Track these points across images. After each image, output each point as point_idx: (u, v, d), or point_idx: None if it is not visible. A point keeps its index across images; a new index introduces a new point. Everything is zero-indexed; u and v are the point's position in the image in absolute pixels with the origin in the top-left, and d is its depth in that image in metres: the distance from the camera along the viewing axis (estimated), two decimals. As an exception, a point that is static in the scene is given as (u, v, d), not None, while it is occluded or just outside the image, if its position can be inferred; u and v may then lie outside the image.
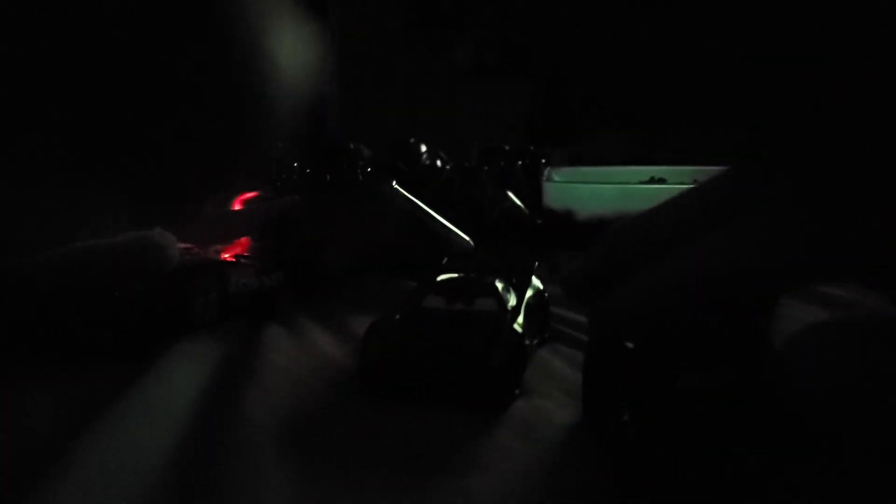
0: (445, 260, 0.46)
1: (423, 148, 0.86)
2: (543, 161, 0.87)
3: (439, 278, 0.41)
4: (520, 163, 0.88)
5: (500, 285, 0.40)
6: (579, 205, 0.79)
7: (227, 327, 0.45)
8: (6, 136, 0.39)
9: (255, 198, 0.60)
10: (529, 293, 0.43)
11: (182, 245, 0.46)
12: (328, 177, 0.65)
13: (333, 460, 0.28)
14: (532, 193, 0.81)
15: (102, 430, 0.30)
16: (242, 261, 0.51)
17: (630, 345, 0.28)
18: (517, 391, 0.36)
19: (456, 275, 0.42)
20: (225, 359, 0.39)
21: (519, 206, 0.77)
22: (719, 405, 0.25)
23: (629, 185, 0.81)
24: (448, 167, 0.85)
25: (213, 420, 0.31)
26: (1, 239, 0.43)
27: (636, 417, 0.26)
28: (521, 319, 0.39)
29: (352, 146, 0.72)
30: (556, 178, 0.83)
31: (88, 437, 0.29)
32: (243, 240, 0.55)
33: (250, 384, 0.35)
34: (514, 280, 0.42)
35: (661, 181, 0.83)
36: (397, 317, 0.38)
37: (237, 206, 0.58)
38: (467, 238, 0.64)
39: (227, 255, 0.52)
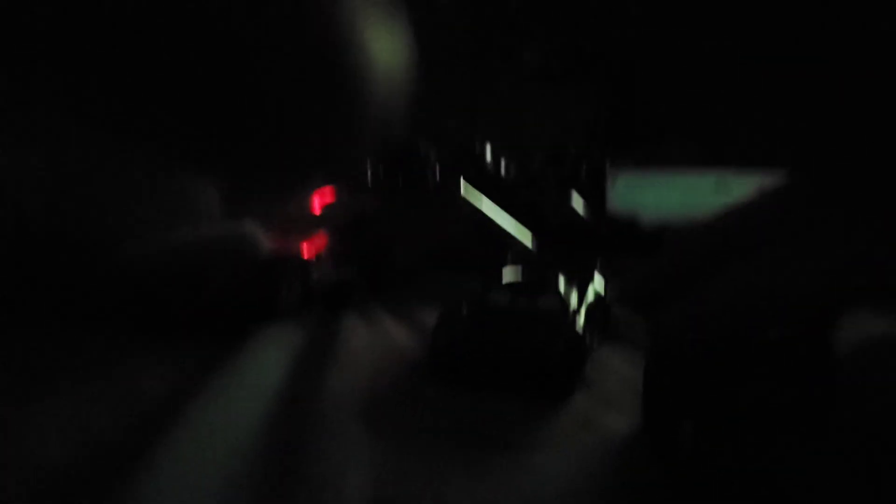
0: (511, 255, 0.49)
1: (488, 150, 0.89)
2: (608, 164, 0.89)
3: (505, 275, 0.44)
4: (584, 166, 0.89)
5: (562, 284, 0.42)
6: (643, 209, 0.80)
7: (307, 315, 0.49)
8: (123, 135, 0.44)
9: (332, 198, 0.64)
10: (591, 293, 0.45)
11: (270, 239, 0.50)
12: (400, 178, 0.69)
13: (408, 434, 0.31)
14: (596, 196, 0.83)
15: (205, 400, 0.34)
16: (322, 256, 0.55)
17: (693, 355, 0.28)
18: (577, 384, 0.38)
19: (520, 273, 0.44)
20: (308, 342, 0.43)
21: (582, 210, 0.78)
22: (782, 418, 0.26)
23: (695, 190, 0.82)
24: (512, 169, 0.88)
25: (301, 393, 0.35)
26: (115, 228, 0.47)
27: (698, 428, 0.26)
28: (581, 317, 0.41)
29: (421, 147, 0.75)
30: (621, 181, 0.84)
31: (193, 405, 0.33)
32: (322, 236, 0.59)
33: (332, 364, 0.39)
34: (577, 280, 0.45)
35: (727, 186, 0.83)
36: (464, 311, 0.41)
37: (317, 205, 0.62)
38: (529, 245, 0.66)
39: (308, 250, 0.56)
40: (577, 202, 0.78)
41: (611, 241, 0.75)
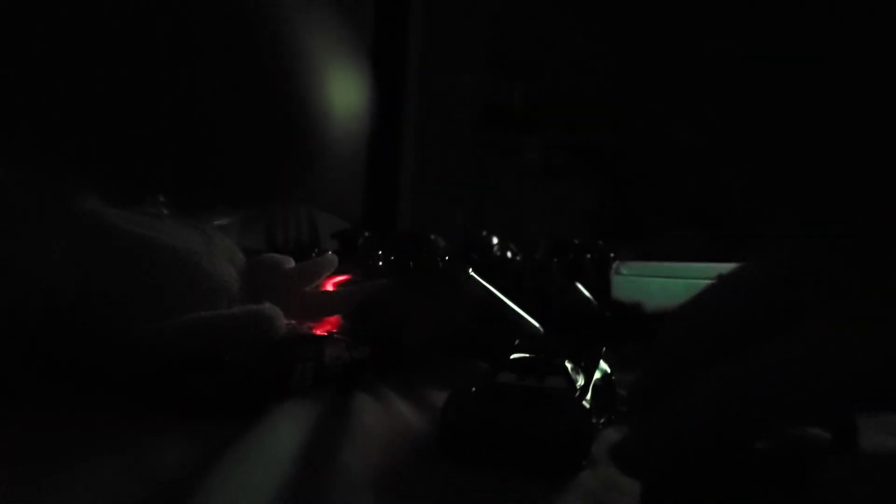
0: (518, 341, 0.50)
1: (495, 240, 0.92)
2: (612, 255, 0.91)
3: (513, 356, 0.45)
4: (588, 256, 0.92)
5: (569, 365, 0.44)
6: (647, 298, 0.82)
7: (319, 393, 0.50)
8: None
9: (345, 280, 0.66)
10: (597, 375, 0.46)
11: (286, 318, 0.51)
12: (410, 264, 0.71)
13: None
14: (600, 286, 0.85)
15: (220, 473, 0.35)
16: (334, 336, 0.56)
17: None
18: (584, 462, 0.39)
19: (528, 354, 0.45)
20: (320, 419, 0.44)
21: (587, 297, 0.80)
22: None
23: (696, 280, 0.84)
24: (518, 259, 0.90)
25: (314, 468, 0.36)
26: (132, 310, 0.49)
27: None
28: (588, 397, 0.42)
29: (432, 237, 0.78)
30: (624, 271, 0.86)
31: (208, 480, 0.34)
32: (335, 317, 0.61)
33: (344, 440, 0.40)
34: (583, 363, 0.46)
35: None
36: (473, 389, 0.42)
37: (329, 288, 0.64)
38: (537, 324, 0.67)
39: (320, 331, 0.58)
40: (582, 291, 0.80)
41: (615, 328, 0.76)
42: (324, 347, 0.53)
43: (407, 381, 0.54)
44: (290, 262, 0.61)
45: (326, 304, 0.62)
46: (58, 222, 0.51)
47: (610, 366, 0.49)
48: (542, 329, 0.67)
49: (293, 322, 0.55)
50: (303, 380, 0.50)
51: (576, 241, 0.93)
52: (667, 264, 0.91)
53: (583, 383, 0.44)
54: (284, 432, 0.41)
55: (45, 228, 0.51)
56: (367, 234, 0.82)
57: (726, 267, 0.83)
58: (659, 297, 0.79)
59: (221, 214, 0.67)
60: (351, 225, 1.08)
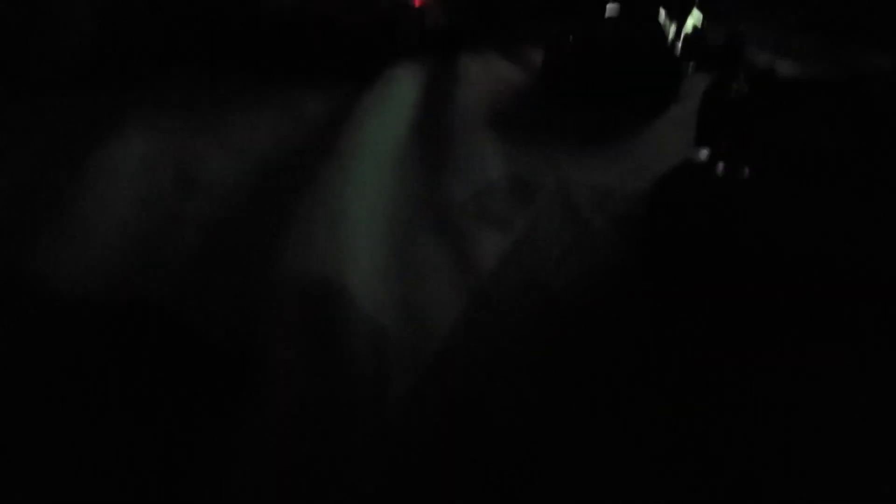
0: None
1: None
2: None
3: (608, 11, 0.47)
4: None
5: (662, 17, 0.45)
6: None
7: (426, 57, 0.54)
8: None
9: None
10: (689, 25, 0.47)
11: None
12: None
13: (529, 132, 0.38)
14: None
15: (360, 113, 0.41)
16: (431, 4, 0.58)
17: None
18: (673, 98, 0.42)
19: (622, 8, 0.47)
20: (430, 74, 0.49)
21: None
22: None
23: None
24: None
25: (434, 108, 0.42)
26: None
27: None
28: (679, 45, 0.44)
29: None
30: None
31: (352, 118, 0.40)
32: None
33: (455, 86, 0.45)
34: (676, 13, 0.47)
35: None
36: (572, 38, 0.45)
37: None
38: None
39: (419, 2, 0.60)
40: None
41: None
42: (424, 15, 0.56)
43: (505, 42, 0.58)
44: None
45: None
46: None
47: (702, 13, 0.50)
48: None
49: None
50: (408, 41, 0.54)
51: None
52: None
53: (674, 31, 0.45)
54: (401, 90, 0.46)
55: None
56: None
57: None
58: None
59: None
60: None
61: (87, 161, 0.33)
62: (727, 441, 0.22)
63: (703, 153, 0.29)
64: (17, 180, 0.32)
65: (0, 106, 0.43)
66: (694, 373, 0.23)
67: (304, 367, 0.21)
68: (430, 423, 0.21)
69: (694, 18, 0.49)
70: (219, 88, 0.48)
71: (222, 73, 0.51)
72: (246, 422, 0.20)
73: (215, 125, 0.41)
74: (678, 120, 0.39)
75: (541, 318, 0.24)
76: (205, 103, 0.45)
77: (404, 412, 0.21)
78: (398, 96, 0.45)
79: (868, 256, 0.23)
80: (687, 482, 0.21)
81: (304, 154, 0.37)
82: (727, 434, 0.22)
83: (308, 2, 0.51)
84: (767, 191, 0.25)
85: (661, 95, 0.43)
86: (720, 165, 0.27)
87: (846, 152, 0.26)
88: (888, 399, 0.22)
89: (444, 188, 0.32)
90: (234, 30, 0.52)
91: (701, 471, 0.22)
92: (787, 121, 0.28)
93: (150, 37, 0.52)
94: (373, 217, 0.29)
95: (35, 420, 0.22)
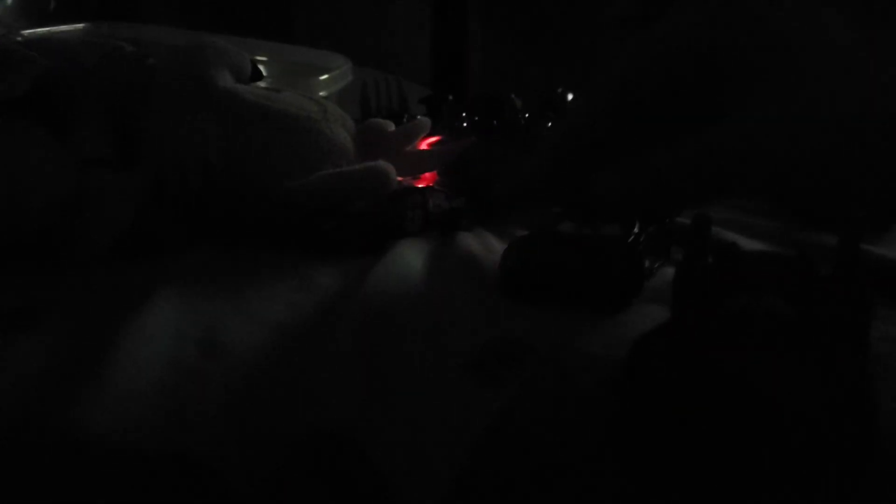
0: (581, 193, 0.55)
1: (570, 97, 0.97)
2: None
3: (572, 206, 0.48)
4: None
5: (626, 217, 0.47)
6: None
7: (428, 234, 0.60)
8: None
9: (437, 141, 0.75)
10: (652, 227, 0.49)
11: (396, 174, 0.61)
12: (494, 123, 0.79)
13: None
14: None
15: (368, 285, 0.45)
16: (435, 188, 0.66)
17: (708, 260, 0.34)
18: (634, 299, 0.43)
19: (587, 206, 0.47)
20: (432, 251, 0.55)
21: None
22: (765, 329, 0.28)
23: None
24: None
25: (434, 278, 0.47)
26: (273, 170, 0.60)
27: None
28: (640, 241, 0.46)
29: (512, 96, 0.84)
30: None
31: (362, 289, 0.45)
32: (431, 173, 0.71)
33: (454, 259, 0.50)
34: (640, 212, 0.48)
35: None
36: (533, 237, 0.47)
37: (424, 147, 0.73)
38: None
39: (422, 185, 0.67)
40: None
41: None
42: (428, 197, 0.62)
43: (499, 225, 0.64)
44: (392, 126, 0.70)
45: (424, 161, 0.71)
46: (203, 100, 0.61)
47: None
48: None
49: (402, 176, 0.64)
50: (414, 223, 0.60)
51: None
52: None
53: (638, 229, 0.47)
54: (409, 259, 0.51)
55: (193, 104, 0.60)
56: (450, 98, 0.89)
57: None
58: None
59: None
60: (431, 90, 1.14)
61: (121, 326, 0.37)
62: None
63: (674, 321, 0.31)
64: (59, 343, 0.36)
65: (45, 278, 0.48)
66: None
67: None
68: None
69: (658, 222, 0.50)
70: (239, 263, 0.53)
71: (243, 249, 0.56)
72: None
73: (236, 295, 0.45)
74: (635, 323, 0.40)
75: (533, 474, 0.27)
76: (227, 276, 0.50)
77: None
78: (403, 268, 0.49)
79: (836, 414, 0.25)
80: None
81: (316, 320, 0.41)
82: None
83: (322, 190, 0.57)
84: (732, 353, 0.28)
85: (621, 297, 0.43)
86: (690, 334, 0.29)
87: (796, 316, 0.30)
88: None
89: (443, 348, 0.35)
90: (253, 214, 0.58)
91: None
92: (747, 289, 0.32)
93: (179, 218, 0.59)
94: (379, 374, 0.32)
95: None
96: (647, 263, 0.47)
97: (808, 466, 0.25)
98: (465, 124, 0.83)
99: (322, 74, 0.85)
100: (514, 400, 0.31)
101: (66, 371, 0.32)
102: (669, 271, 0.49)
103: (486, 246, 0.58)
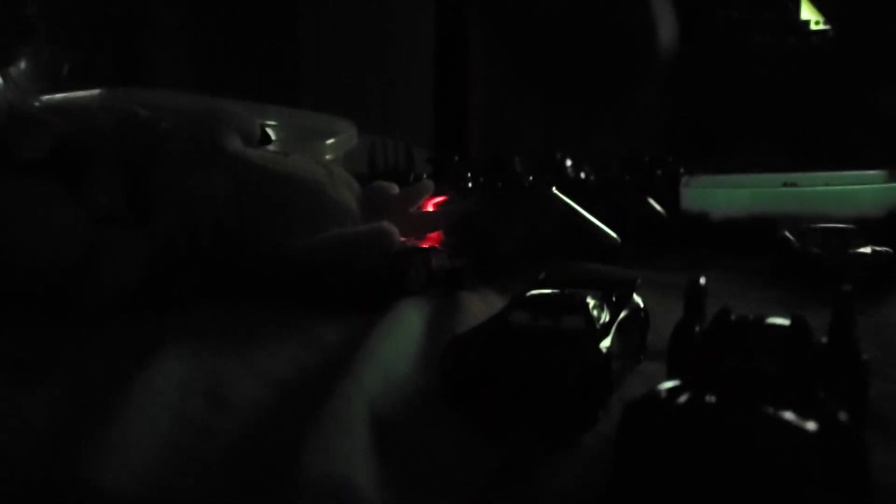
0: (543, 275, 0.46)
1: (569, 161, 1.00)
2: (681, 171, 0.97)
3: (529, 293, 0.41)
4: (658, 172, 0.98)
5: (591, 302, 0.39)
6: (714, 208, 0.88)
7: (430, 292, 0.61)
8: None
9: (442, 201, 0.77)
10: (625, 311, 0.41)
11: (400, 234, 0.63)
12: (499, 184, 0.81)
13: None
14: (670, 199, 0.91)
15: (372, 342, 0.46)
16: (438, 248, 0.67)
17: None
18: (600, 413, 0.35)
19: (548, 290, 0.41)
20: (434, 309, 0.56)
21: (658, 210, 0.88)
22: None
23: (761, 189, 0.89)
24: (592, 178, 0.98)
25: (436, 335, 0.47)
26: (280, 229, 0.61)
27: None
28: (609, 339, 0.37)
29: (514, 159, 0.87)
30: (693, 184, 0.92)
31: (365, 347, 0.45)
32: (436, 233, 0.72)
33: (456, 317, 0.51)
34: (614, 296, 0.42)
35: (793, 185, 0.90)
36: (480, 331, 0.39)
37: (430, 208, 0.75)
38: (614, 235, 0.76)
39: (426, 244, 0.69)
40: (653, 205, 0.88)
41: (684, 237, 0.84)
42: (430, 256, 0.64)
43: (501, 283, 0.65)
44: (396, 189, 0.72)
45: (428, 221, 0.73)
46: (212, 162, 0.63)
47: (675, 268, 0.54)
48: (618, 239, 0.76)
49: (405, 236, 0.66)
50: (416, 282, 0.61)
51: (646, 158, 0.99)
52: (733, 176, 0.97)
53: (607, 321, 0.39)
54: (411, 317, 0.52)
55: (203, 167, 0.63)
56: (456, 158, 0.91)
57: (790, 176, 0.88)
58: (724, 208, 0.85)
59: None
60: (433, 151, 1.17)
61: (130, 380, 0.38)
62: None
63: (670, 384, 0.30)
64: (69, 396, 0.36)
65: (56, 330, 0.49)
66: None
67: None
68: None
69: (632, 305, 0.44)
70: (245, 320, 0.54)
71: (248, 306, 0.57)
72: None
73: (242, 351, 0.46)
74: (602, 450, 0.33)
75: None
76: (232, 332, 0.51)
77: None
78: (406, 325, 0.50)
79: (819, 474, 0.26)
80: None
81: (320, 375, 0.41)
82: None
83: (328, 249, 0.59)
84: (726, 414, 0.28)
85: (583, 410, 0.34)
86: (685, 394, 0.29)
87: (787, 377, 0.31)
88: None
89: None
90: (260, 271, 0.60)
91: None
92: (742, 352, 0.33)
93: (188, 275, 0.60)
94: (380, 424, 0.33)
95: None
96: (617, 364, 0.38)
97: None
98: (469, 185, 0.85)
99: (329, 139, 0.87)
100: (516, 456, 0.32)
101: (75, 423, 0.33)
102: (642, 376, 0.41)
103: (488, 304, 0.59)
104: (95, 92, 0.78)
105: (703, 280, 0.40)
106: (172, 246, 0.59)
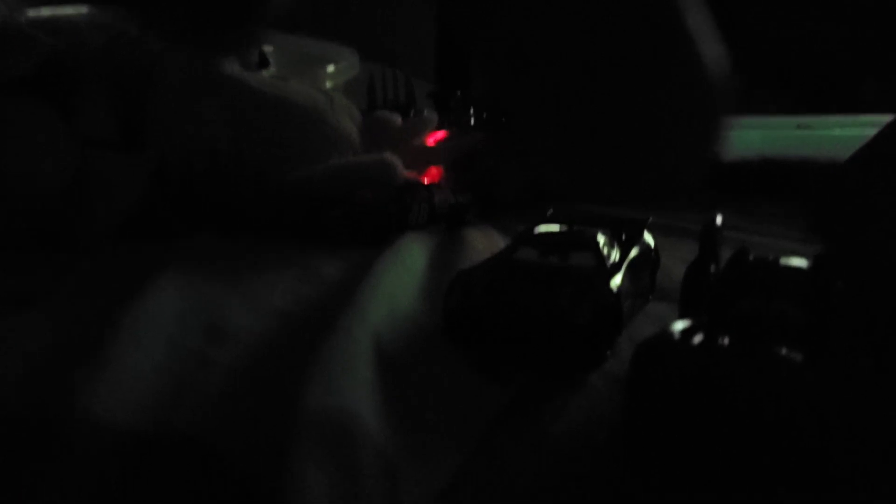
0: (550, 211, 0.44)
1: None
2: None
3: (536, 229, 0.39)
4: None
5: (601, 239, 0.37)
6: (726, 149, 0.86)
7: (433, 229, 0.60)
8: None
9: (445, 137, 0.74)
10: (636, 250, 0.40)
11: (402, 167, 0.61)
12: (502, 120, 0.78)
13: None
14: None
15: (373, 277, 0.45)
16: (441, 184, 0.65)
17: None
18: (608, 352, 0.34)
19: (556, 226, 0.39)
20: (437, 245, 0.54)
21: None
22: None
23: (774, 131, 0.87)
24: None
25: (440, 268, 0.46)
26: (277, 159, 0.59)
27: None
28: (619, 277, 0.36)
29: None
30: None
31: (365, 281, 0.44)
32: (439, 168, 0.70)
33: (459, 252, 0.49)
34: (624, 235, 0.40)
35: (807, 128, 0.88)
36: (485, 268, 0.37)
37: (432, 143, 0.73)
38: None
39: (429, 179, 0.67)
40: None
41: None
42: (434, 192, 0.62)
43: (503, 220, 0.64)
44: (398, 119, 0.70)
45: (430, 156, 0.70)
46: (209, 86, 0.60)
47: (685, 209, 0.52)
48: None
49: (408, 170, 0.64)
50: (419, 217, 0.60)
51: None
52: (746, 118, 0.94)
53: (616, 259, 0.37)
54: (414, 252, 0.51)
55: (199, 92, 0.60)
56: (459, 94, 0.88)
57: (807, 119, 0.86)
58: (737, 149, 0.83)
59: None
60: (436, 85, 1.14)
61: (125, 310, 0.36)
62: None
63: (682, 324, 0.29)
64: (61, 325, 0.35)
65: (48, 259, 0.48)
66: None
67: (323, 495, 0.23)
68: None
69: (643, 243, 0.42)
70: (242, 252, 0.53)
71: (245, 239, 0.56)
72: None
73: (239, 282, 0.45)
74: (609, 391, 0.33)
75: (539, 461, 0.26)
76: (229, 264, 0.50)
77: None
78: (409, 260, 0.49)
79: (839, 421, 0.25)
80: None
81: (321, 308, 0.40)
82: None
83: (328, 180, 0.57)
84: (741, 357, 0.28)
85: (590, 351, 0.33)
86: (698, 335, 0.28)
87: (807, 323, 0.30)
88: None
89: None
90: (257, 202, 0.58)
91: None
92: (757, 296, 0.32)
93: (183, 204, 0.58)
94: (385, 358, 0.32)
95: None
96: (626, 303, 0.36)
97: (804, 465, 0.25)
98: (472, 121, 0.83)
99: (329, 65, 0.84)
100: (521, 395, 0.31)
101: (68, 353, 0.31)
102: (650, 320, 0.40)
103: (492, 241, 0.57)
104: (85, 8, 0.74)
105: (719, 219, 0.38)
106: (166, 174, 0.57)
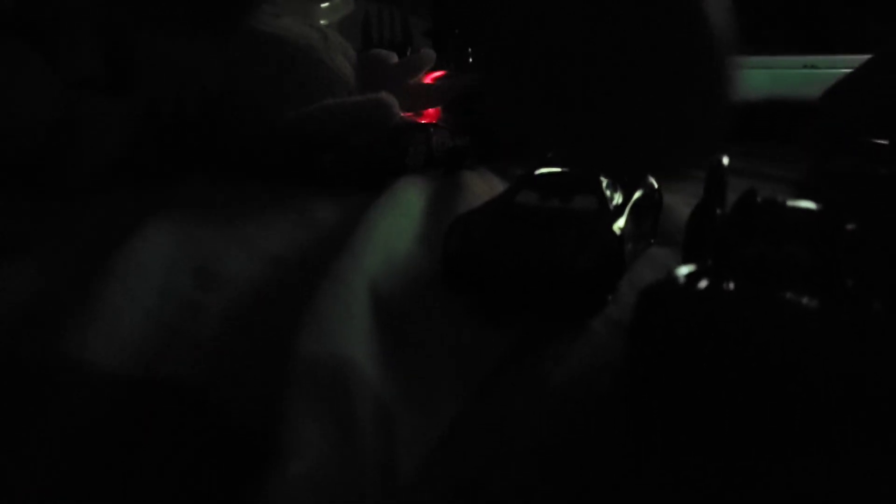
0: (551, 153, 0.42)
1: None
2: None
3: (537, 171, 0.38)
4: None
5: (604, 181, 0.36)
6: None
7: (430, 172, 0.58)
8: None
9: (441, 76, 0.72)
10: (639, 192, 0.39)
11: (398, 107, 0.59)
12: (500, 60, 0.76)
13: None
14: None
15: (369, 221, 0.43)
16: (439, 125, 0.64)
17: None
18: (609, 297, 0.33)
19: (557, 169, 0.38)
20: (435, 189, 0.53)
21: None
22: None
23: (781, 70, 0.85)
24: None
25: (438, 212, 0.45)
26: (269, 98, 0.57)
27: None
28: (622, 220, 0.35)
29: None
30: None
31: (362, 226, 0.43)
32: (435, 110, 0.68)
33: (457, 195, 0.48)
34: (623, 180, 0.39)
35: (813, 68, 0.86)
36: (485, 212, 0.36)
37: (428, 81, 0.70)
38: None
39: (427, 119, 0.65)
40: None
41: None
42: (431, 134, 0.60)
43: (502, 164, 0.62)
44: (395, 58, 0.67)
45: (428, 96, 0.68)
46: (199, 23, 0.58)
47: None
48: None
49: (404, 111, 0.62)
50: (416, 159, 0.58)
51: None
52: (753, 58, 0.91)
53: (619, 202, 0.36)
54: (411, 195, 0.50)
55: (189, 28, 0.58)
56: (457, 32, 0.85)
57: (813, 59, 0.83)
58: (744, 89, 0.81)
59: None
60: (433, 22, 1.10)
61: (114, 255, 0.35)
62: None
63: (687, 269, 0.28)
64: (50, 271, 0.34)
65: (36, 205, 0.46)
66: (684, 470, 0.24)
67: (317, 443, 0.22)
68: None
69: (646, 186, 0.41)
70: (233, 195, 0.51)
71: (239, 180, 0.54)
72: (259, 496, 0.21)
73: (232, 226, 0.44)
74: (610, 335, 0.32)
75: (540, 408, 0.26)
76: (220, 207, 0.48)
77: (413, 491, 0.22)
78: (406, 204, 0.48)
79: (851, 366, 0.25)
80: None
81: (315, 252, 0.39)
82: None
83: (322, 121, 0.55)
84: (748, 302, 0.27)
85: (592, 294, 0.32)
86: (703, 280, 0.28)
87: (816, 266, 0.29)
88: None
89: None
90: (250, 144, 0.56)
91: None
92: (765, 239, 0.31)
93: (174, 147, 0.57)
94: (382, 305, 0.31)
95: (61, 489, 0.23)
96: (629, 247, 0.35)
97: (817, 419, 0.24)
98: (470, 60, 0.80)
99: (323, 2, 0.81)
100: (521, 342, 0.30)
101: (57, 297, 0.31)
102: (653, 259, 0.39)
103: (491, 185, 0.56)
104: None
105: (725, 159, 0.37)
106: (156, 116, 0.56)
